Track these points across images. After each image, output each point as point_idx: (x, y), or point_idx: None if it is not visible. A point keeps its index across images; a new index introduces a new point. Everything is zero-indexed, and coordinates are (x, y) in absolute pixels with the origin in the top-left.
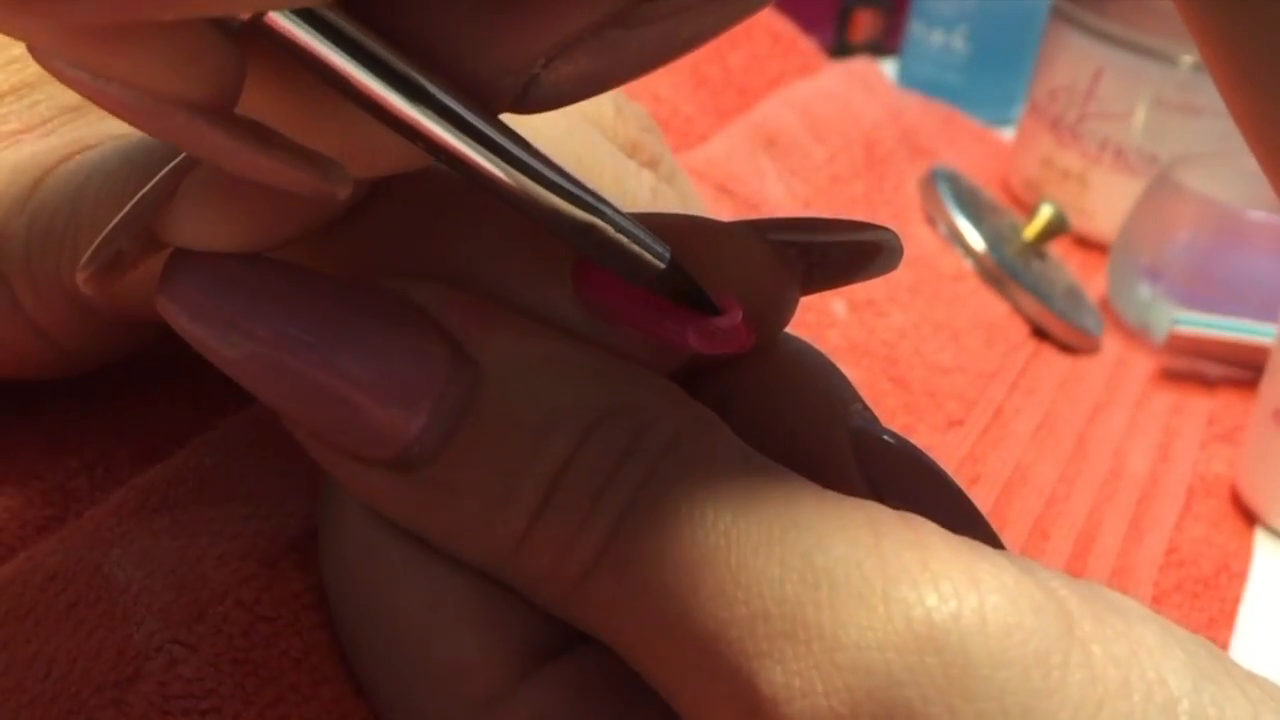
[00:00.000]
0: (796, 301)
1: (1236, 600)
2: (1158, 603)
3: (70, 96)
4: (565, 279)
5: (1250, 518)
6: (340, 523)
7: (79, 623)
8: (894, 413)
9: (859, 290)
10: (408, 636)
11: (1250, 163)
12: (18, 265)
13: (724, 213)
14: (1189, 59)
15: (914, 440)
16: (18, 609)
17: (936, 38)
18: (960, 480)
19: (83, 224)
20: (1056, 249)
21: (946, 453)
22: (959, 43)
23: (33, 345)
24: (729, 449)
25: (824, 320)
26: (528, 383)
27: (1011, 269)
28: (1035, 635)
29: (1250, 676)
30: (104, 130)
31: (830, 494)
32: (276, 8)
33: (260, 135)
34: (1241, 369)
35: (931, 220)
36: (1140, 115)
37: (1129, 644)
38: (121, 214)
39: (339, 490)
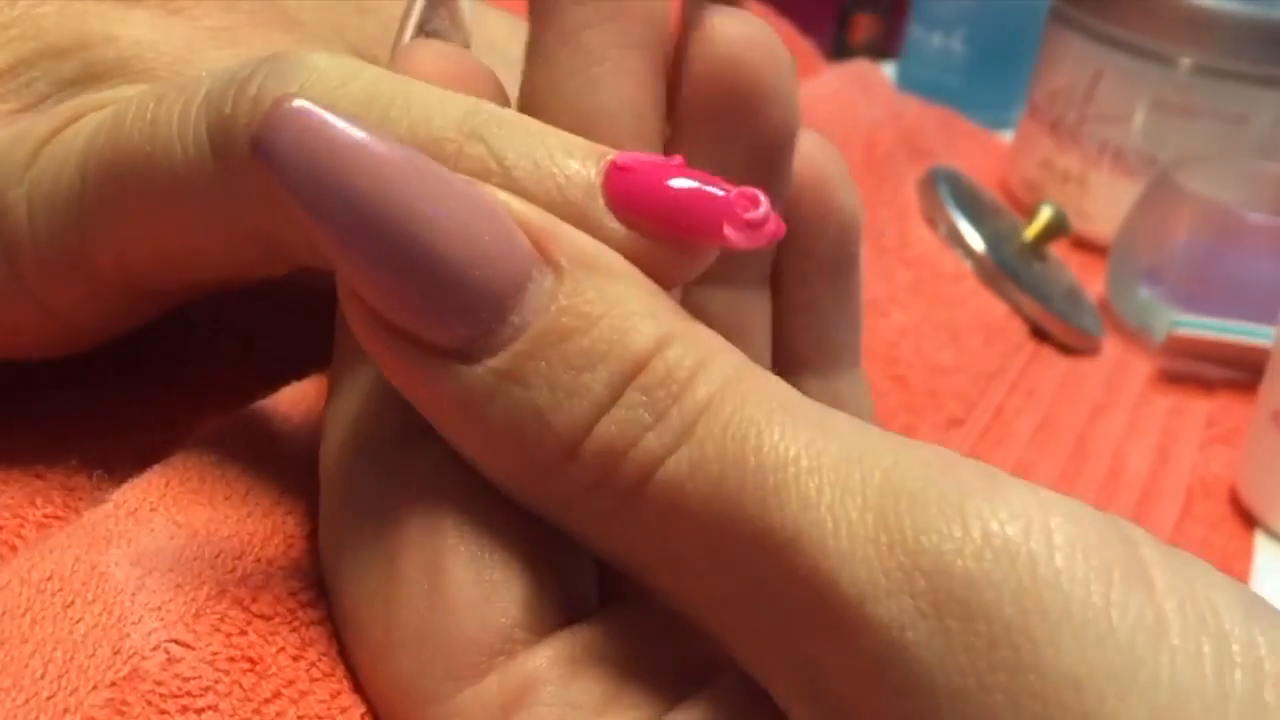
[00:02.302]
0: None
1: None
2: None
3: (68, 72)
4: (597, 191)
5: (1250, 519)
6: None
7: (76, 621)
8: (894, 412)
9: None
10: (419, 569)
11: (1249, 164)
12: (22, 238)
13: None
14: (1188, 61)
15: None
16: (15, 607)
17: (935, 40)
18: None
19: (89, 182)
20: (1056, 250)
21: None
22: (958, 45)
23: (36, 321)
24: (793, 390)
25: None
26: (607, 288)
27: (1011, 270)
28: (1098, 552)
29: None
30: (101, 98)
31: (898, 434)
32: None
33: None
34: (1241, 371)
35: (931, 221)
36: (1139, 117)
37: (1189, 579)
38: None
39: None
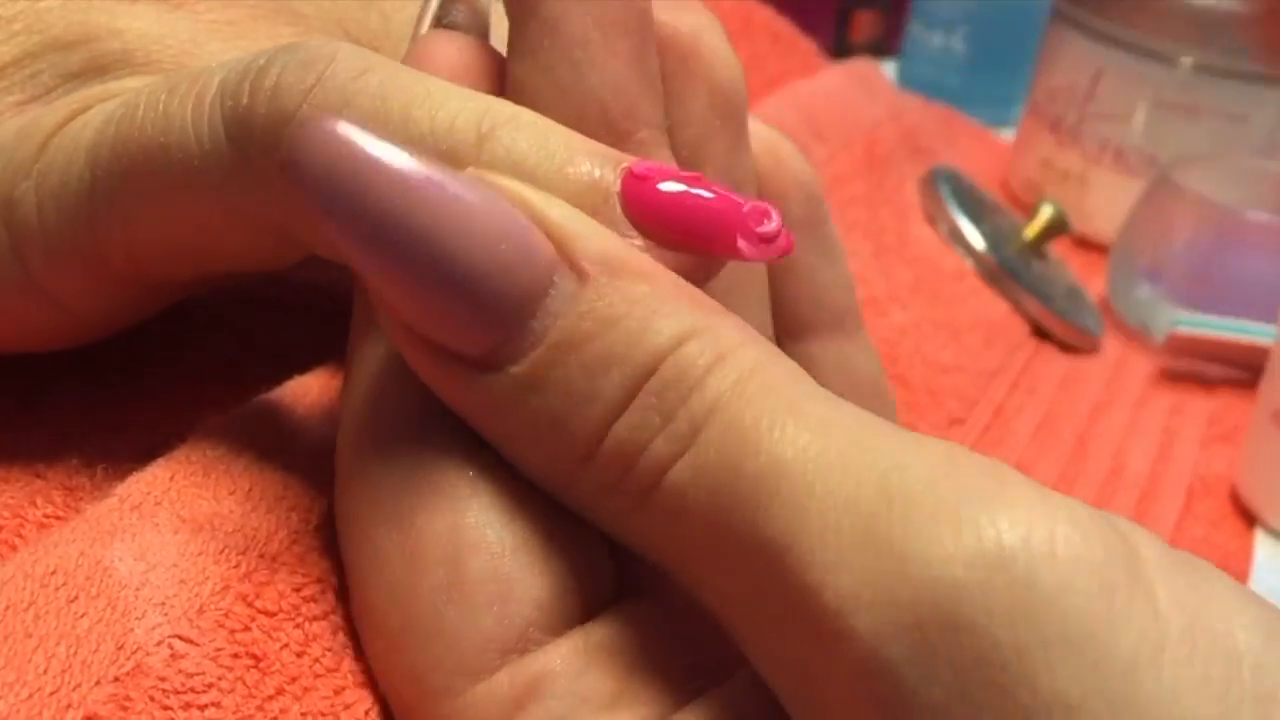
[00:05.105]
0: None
1: None
2: None
3: (73, 64)
4: (614, 198)
5: (1250, 518)
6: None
7: (79, 616)
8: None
9: (860, 289)
10: (439, 552)
11: (1250, 163)
12: (31, 231)
13: None
14: (1189, 60)
15: None
16: (18, 602)
17: (936, 39)
18: None
19: (99, 173)
20: (1056, 249)
21: None
22: (958, 44)
23: (44, 314)
24: (808, 383)
25: None
26: (630, 288)
27: (1012, 269)
28: (1102, 568)
29: None
30: (107, 89)
31: (908, 430)
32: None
33: None
34: (1241, 370)
35: (932, 220)
36: (1140, 116)
37: (1201, 596)
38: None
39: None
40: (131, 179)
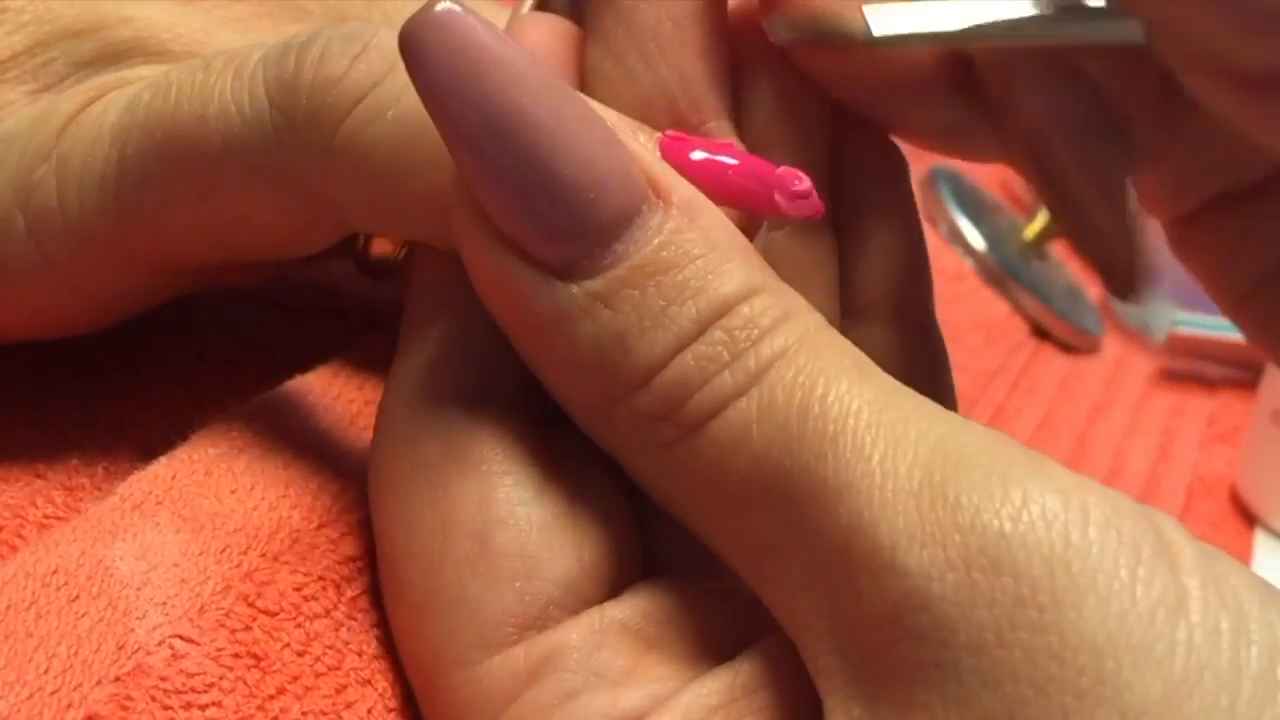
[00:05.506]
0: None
1: None
2: None
3: (85, 52)
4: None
5: (1250, 518)
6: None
7: (80, 616)
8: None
9: None
10: (465, 526)
11: None
12: (51, 215)
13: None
14: None
15: None
16: (20, 601)
17: None
18: None
19: (129, 152)
20: (1056, 249)
21: None
22: None
23: (61, 301)
24: (865, 357)
25: None
26: (710, 232)
27: (1012, 269)
28: (1130, 532)
29: None
30: (121, 77)
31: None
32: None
33: None
34: (1241, 370)
35: (932, 220)
36: None
37: (1209, 559)
38: None
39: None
40: (166, 156)
